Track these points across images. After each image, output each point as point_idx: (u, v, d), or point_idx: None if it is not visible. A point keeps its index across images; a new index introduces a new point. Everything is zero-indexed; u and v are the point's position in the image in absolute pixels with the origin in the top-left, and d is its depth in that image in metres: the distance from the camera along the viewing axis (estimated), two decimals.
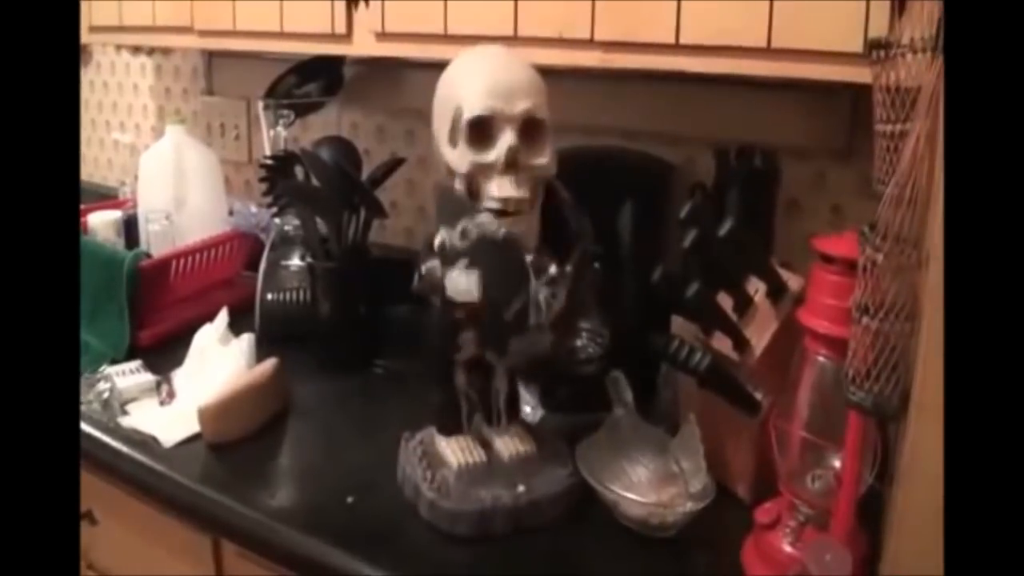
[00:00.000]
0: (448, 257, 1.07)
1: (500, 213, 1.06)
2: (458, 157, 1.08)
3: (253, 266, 1.74)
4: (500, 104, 1.05)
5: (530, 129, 1.06)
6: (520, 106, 1.05)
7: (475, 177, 1.07)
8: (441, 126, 1.10)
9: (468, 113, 1.05)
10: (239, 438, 1.30)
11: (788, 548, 1.00)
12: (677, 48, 1.13)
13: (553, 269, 1.08)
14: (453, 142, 1.08)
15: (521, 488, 1.12)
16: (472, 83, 1.07)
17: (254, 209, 1.87)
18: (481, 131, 1.06)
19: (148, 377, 1.45)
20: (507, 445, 1.16)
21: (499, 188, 1.06)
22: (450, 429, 1.17)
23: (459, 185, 1.09)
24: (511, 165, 1.05)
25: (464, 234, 1.07)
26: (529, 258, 1.07)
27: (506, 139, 1.05)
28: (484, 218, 1.06)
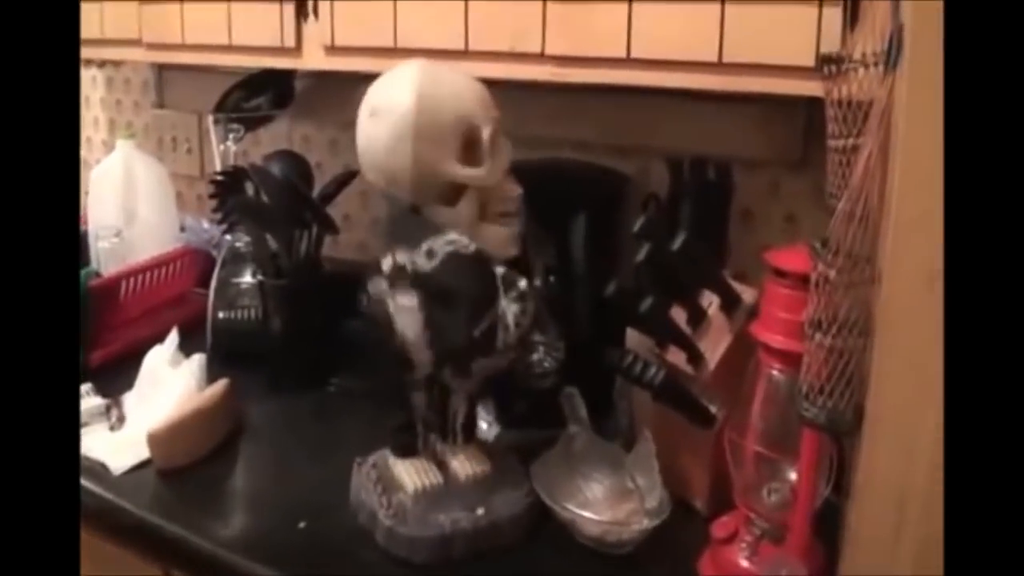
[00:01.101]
0: (393, 279, 1.06)
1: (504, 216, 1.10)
2: (488, 172, 1.08)
3: (205, 282, 1.71)
4: (480, 112, 1.07)
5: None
6: (493, 112, 1.08)
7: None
8: (438, 145, 1.07)
9: (485, 127, 1.07)
10: (190, 463, 1.27)
11: (745, 563, 1.00)
12: (629, 62, 1.12)
13: (523, 284, 1.07)
14: (470, 159, 1.07)
15: (480, 511, 1.11)
16: (472, 97, 1.08)
17: (206, 225, 1.84)
18: (468, 141, 1.07)
19: (98, 401, 1.42)
20: (463, 466, 1.15)
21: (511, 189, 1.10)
22: (405, 451, 1.15)
23: (467, 204, 1.09)
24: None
25: (431, 254, 1.05)
26: (500, 271, 1.06)
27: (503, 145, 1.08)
28: (454, 235, 1.05)
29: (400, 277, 1.06)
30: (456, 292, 1.05)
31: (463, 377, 1.11)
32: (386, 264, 1.07)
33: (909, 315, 0.72)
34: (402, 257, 1.06)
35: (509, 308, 1.06)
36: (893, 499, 0.72)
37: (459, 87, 1.08)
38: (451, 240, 1.05)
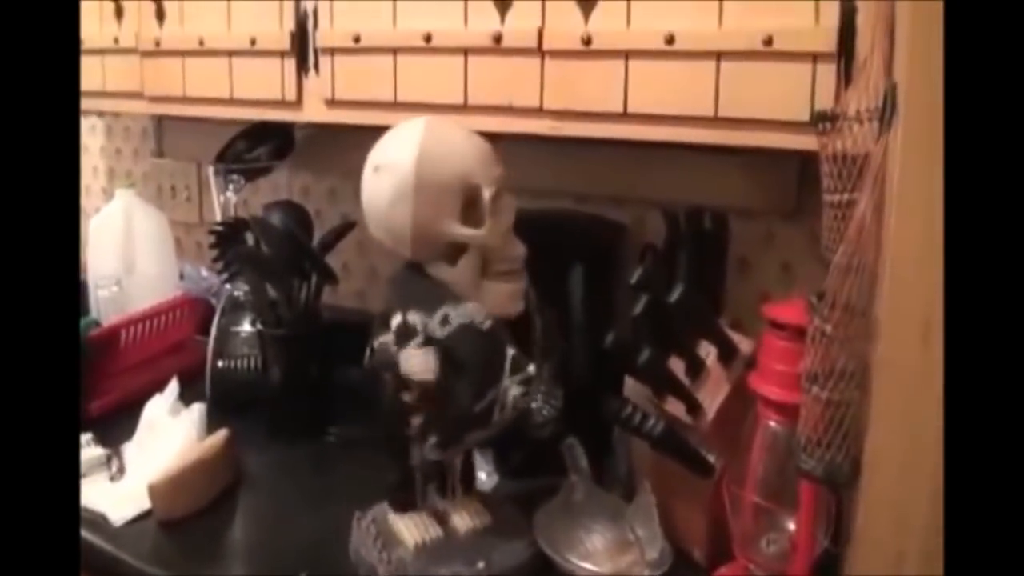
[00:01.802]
0: (403, 337, 1.07)
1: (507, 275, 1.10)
2: (489, 232, 1.09)
3: (205, 330, 1.72)
4: (482, 172, 1.09)
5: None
6: (496, 171, 1.09)
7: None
8: (438, 204, 1.08)
9: (487, 187, 1.08)
10: (190, 514, 1.27)
11: None
12: (625, 117, 1.14)
13: (531, 369, 1.08)
14: (471, 219, 1.09)
15: (481, 564, 1.11)
16: (475, 156, 1.10)
17: (205, 273, 1.85)
18: (468, 200, 1.09)
19: (98, 451, 1.42)
20: (464, 519, 1.15)
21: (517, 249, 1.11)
22: (404, 505, 1.16)
23: (467, 262, 1.10)
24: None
25: (445, 321, 1.06)
26: (511, 352, 1.07)
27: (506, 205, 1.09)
28: (471, 307, 1.07)
29: (408, 336, 1.06)
30: (464, 364, 1.06)
31: (453, 446, 1.12)
32: (395, 321, 1.07)
33: (905, 368, 0.73)
34: (414, 317, 1.07)
35: (512, 389, 1.07)
36: (891, 556, 0.73)
37: (463, 146, 1.10)
38: (468, 312, 1.06)
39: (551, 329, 1.28)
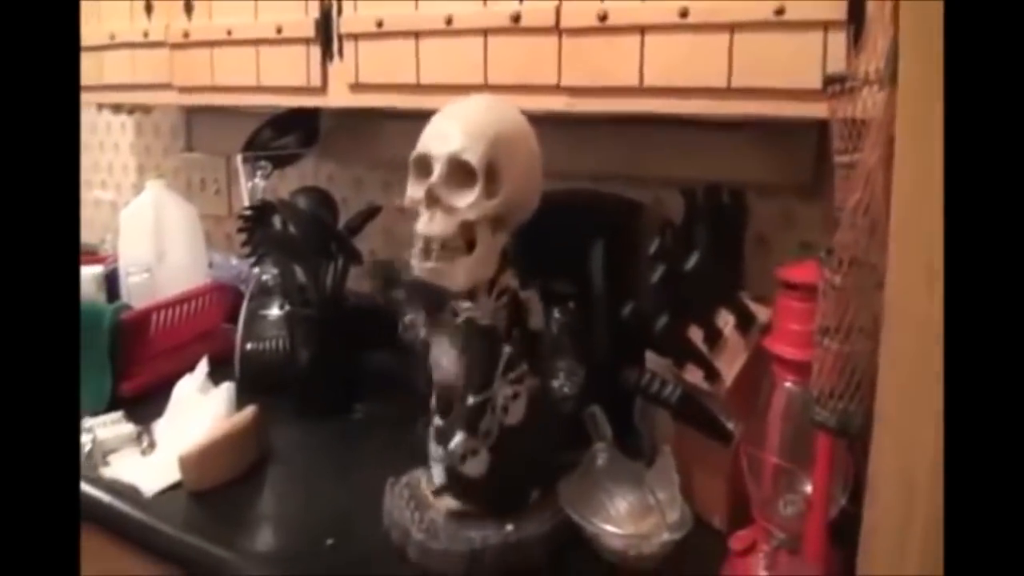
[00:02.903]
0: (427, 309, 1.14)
1: (424, 253, 1.08)
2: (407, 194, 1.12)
3: (233, 318, 1.75)
4: (432, 145, 1.08)
5: (460, 172, 1.07)
6: (446, 148, 1.07)
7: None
8: None
9: (412, 153, 1.10)
10: (219, 485, 1.30)
11: (762, 573, 1.02)
12: (641, 91, 1.16)
13: (524, 367, 1.12)
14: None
15: (509, 527, 1.13)
16: (426, 127, 1.11)
17: (234, 261, 1.89)
18: (422, 172, 1.09)
19: (129, 428, 1.45)
20: None
21: (420, 223, 1.09)
22: None
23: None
24: (432, 201, 1.07)
25: (454, 313, 1.12)
26: (507, 350, 1.11)
27: (432, 177, 1.07)
28: (466, 304, 1.11)
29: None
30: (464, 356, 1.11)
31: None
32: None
33: (911, 316, 0.74)
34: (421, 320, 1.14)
35: (503, 389, 1.10)
36: (903, 493, 0.74)
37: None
38: (470, 308, 1.11)
39: (569, 310, 1.31)
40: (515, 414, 1.11)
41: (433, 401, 1.16)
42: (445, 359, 1.15)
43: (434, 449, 1.16)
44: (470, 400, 1.10)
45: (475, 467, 1.10)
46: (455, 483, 1.15)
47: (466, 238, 1.08)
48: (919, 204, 0.73)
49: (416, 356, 1.19)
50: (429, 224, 1.07)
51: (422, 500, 1.17)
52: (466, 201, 1.07)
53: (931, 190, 0.71)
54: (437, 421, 1.15)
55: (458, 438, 1.10)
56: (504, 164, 1.08)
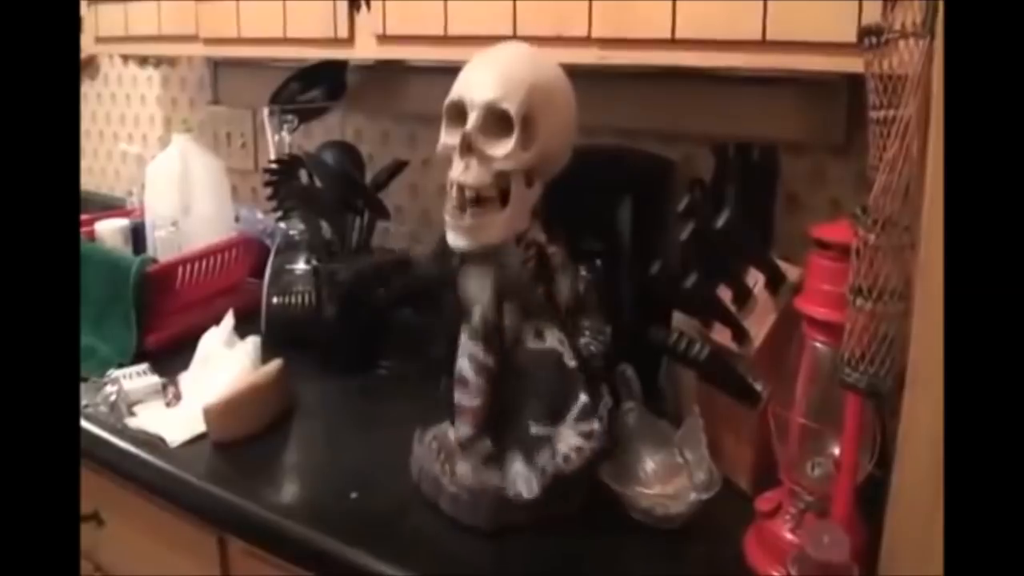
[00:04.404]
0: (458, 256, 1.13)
1: (459, 205, 1.07)
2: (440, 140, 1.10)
3: (259, 273, 1.75)
4: (468, 92, 1.06)
5: (497, 121, 1.06)
6: (483, 95, 1.05)
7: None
8: None
9: (447, 99, 1.08)
10: (244, 437, 1.31)
11: (789, 535, 1.01)
12: (673, 43, 1.14)
13: (596, 425, 1.10)
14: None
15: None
16: (460, 74, 1.09)
17: (260, 215, 1.88)
18: (456, 119, 1.08)
19: (155, 379, 1.46)
20: None
21: (455, 171, 1.07)
22: None
23: None
24: (467, 149, 1.06)
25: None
26: (583, 400, 1.11)
27: (467, 124, 1.06)
28: None
29: None
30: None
31: None
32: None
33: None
34: None
35: (566, 437, 1.10)
36: (934, 457, 0.73)
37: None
38: None
39: (596, 268, 1.29)
40: (573, 464, 1.09)
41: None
42: (481, 291, 1.13)
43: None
44: (532, 429, 1.10)
45: (526, 490, 1.10)
46: None
47: (500, 189, 1.08)
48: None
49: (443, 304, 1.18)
50: (464, 172, 1.06)
51: (451, 451, 1.16)
52: (502, 151, 1.06)
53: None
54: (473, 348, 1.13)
55: (517, 466, 1.10)
56: (541, 115, 1.06)
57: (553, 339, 1.11)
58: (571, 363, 1.10)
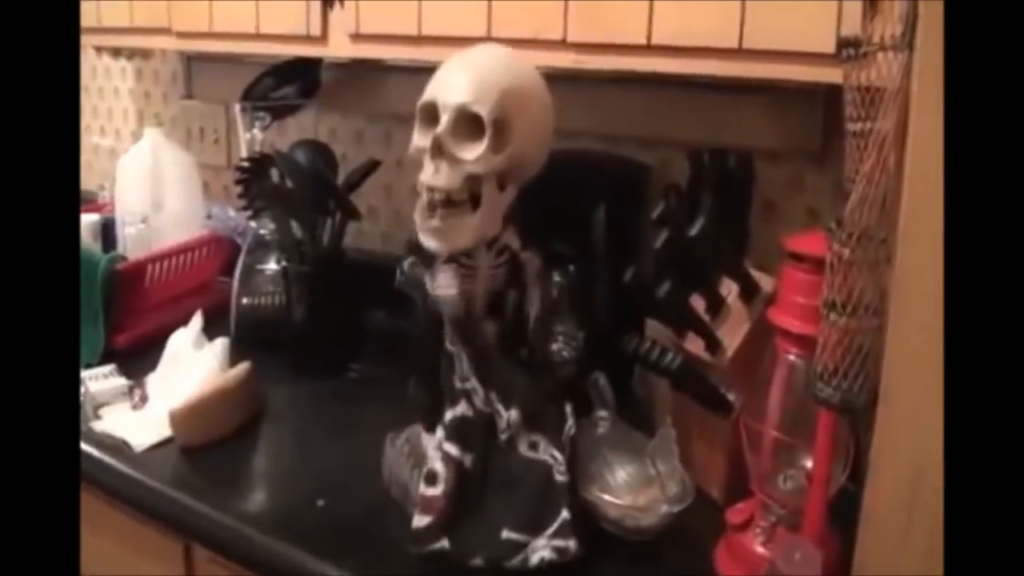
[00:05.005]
0: (427, 258, 1.10)
1: (429, 206, 1.06)
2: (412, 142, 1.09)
3: (230, 272, 1.73)
4: (440, 94, 1.05)
5: (468, 124, 1.04)
6: (456, 98, 1.03)
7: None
8: None
9: (420, 100, 1.07)
10: (211, 442, 1.29)
11: (760, 548, 1.00)
12: (649, 49, 1.13)
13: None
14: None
15: None
16: (435, 76, 1.08)
17: (232, 213, 1.86)
18: (429, 121, 1.06)
19: (121, 381, 1.44)
20: None
21: (425, 173, 1.06)
22: (435, 425, 1.15)
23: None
24: (438, 151, 1.04)
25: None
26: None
27: (439, 127, 1.04)
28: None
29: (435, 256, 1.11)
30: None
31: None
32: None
33: (921, 290, 0.72)
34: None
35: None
36: (907, 475, 0.73)
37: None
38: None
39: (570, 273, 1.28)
40: None
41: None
42: (451, 288, 1.12)
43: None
44: (504, 534, 1.06)
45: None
46: None
47: (471, 192, 1.06)
48: (932, 177, 0.70)
49: (413, 307, 1.16)
50: (434, 175, 1.05)
51: (422, 456, 1.14)
52: (473, 154, 1.04)
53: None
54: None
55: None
56: (514, 119, 1.05)
57: (547, 451, 1.09)
58: (561, 478, 1.07)
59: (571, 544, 1.02)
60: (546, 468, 1.08)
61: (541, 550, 1.02)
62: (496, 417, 1.11)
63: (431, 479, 1.07)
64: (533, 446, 1.10)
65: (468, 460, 1.08)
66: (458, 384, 1.12)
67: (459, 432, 1.09)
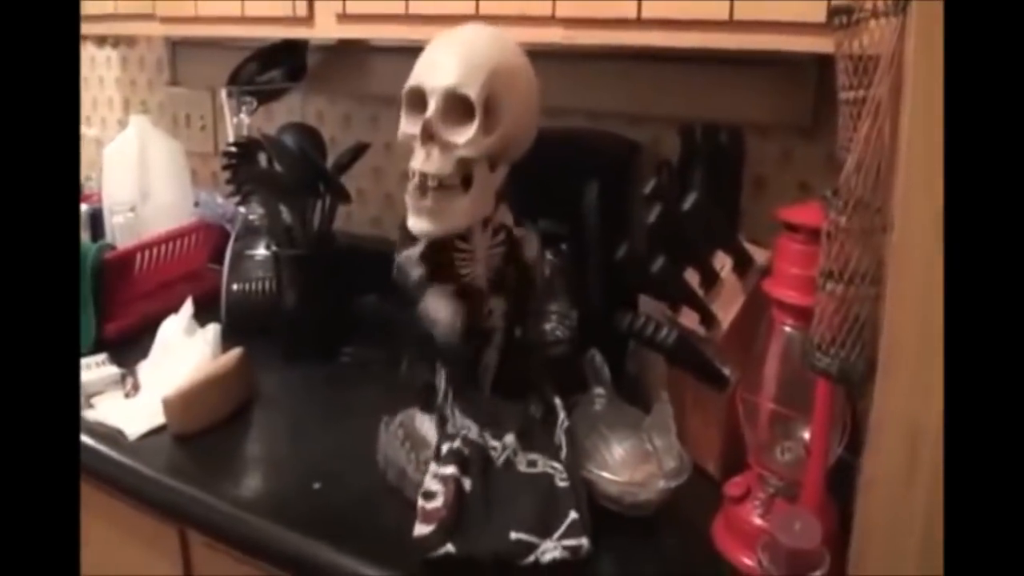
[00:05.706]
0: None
1: (419, 191, 1.05)
2: (399, 129, 1.08)
3: (219, 258, 1.72)
4: (427, 78, 1.04)
5: (457, 107, 1.03)
6: (443, 81, 1.02)
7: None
8: None
9: (406, 85, 1.05)
10: (204, 428, 1.28)
11: (758, 520, 1.00)
12: (639, 23, 1.12)
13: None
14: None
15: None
16: (419, 58, 1.06)
17: (220, 200, 1.84)
18: (416, 106, 1.05)
19: (113, 370, 1.43)
20: None
21: (416, 160, 1.05)
22: (432, 407, 1.16)
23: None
24: (428, 137, 1.03)
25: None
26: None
27: (427, 112, 1.03)
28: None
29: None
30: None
31: None
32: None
33: (919, 258, 0.71)
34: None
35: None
36: (907, 443, 0.72)
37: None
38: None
39: (562, 252, 1.27)
40: None
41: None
42: (443, 311, 1.12)
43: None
44: (513, 535, 1.03)
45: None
46: None
47: (463, 175, 1.05)
48: (931, 143, 0.69)
49: (408, 300, 1.15)
50: (426, 161, 1.04)
51: (417, 439, 1.14)
52: (463, 137, 1.03)
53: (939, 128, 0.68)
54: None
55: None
56: (503, 98, 1.04)
57: (546, 465, 1.09)
58: (563, 484, 1.07)
59: (583, 542, 1.01)
60: (548, 478, 1.08)
61: (552, 551, 1.01)
62: (491, 451, 1.11)
63: (429, 496, 1.05)
64: (532, 464, 1.10)
65: (467, 482, 1.07)
66: (451, 429, 1.12)
67: (456, 458, 1.08)
